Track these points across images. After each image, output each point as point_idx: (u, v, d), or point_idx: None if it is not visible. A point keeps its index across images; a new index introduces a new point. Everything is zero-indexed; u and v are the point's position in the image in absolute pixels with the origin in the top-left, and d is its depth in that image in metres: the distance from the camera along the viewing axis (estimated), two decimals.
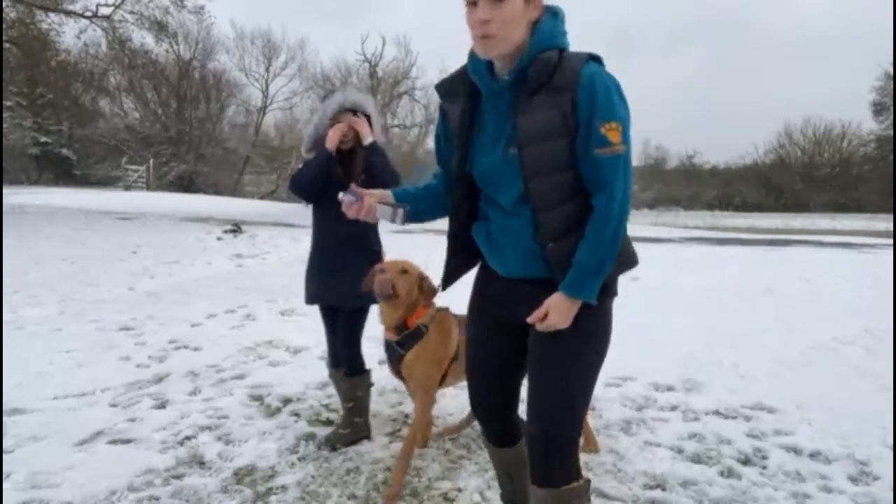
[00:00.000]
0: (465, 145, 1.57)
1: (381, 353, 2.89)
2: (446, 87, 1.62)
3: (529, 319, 1.49)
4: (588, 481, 1.57)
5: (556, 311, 1.45)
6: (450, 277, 1.72)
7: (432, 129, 1.82)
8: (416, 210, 1.70)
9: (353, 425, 2.78)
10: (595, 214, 1.43)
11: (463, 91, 1.56)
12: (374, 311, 2.64)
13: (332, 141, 2.61)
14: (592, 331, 1.53)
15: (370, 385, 2.88)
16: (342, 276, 2.67)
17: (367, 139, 2.64)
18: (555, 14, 1.50)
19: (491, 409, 1.77)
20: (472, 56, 1.51)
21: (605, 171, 1.40)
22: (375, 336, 2.94)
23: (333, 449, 2.68)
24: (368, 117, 2.71)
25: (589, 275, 1.44)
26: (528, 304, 1.50)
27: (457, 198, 1.64)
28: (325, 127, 2.63)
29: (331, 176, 2.65)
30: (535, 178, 1.44)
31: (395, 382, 3.05)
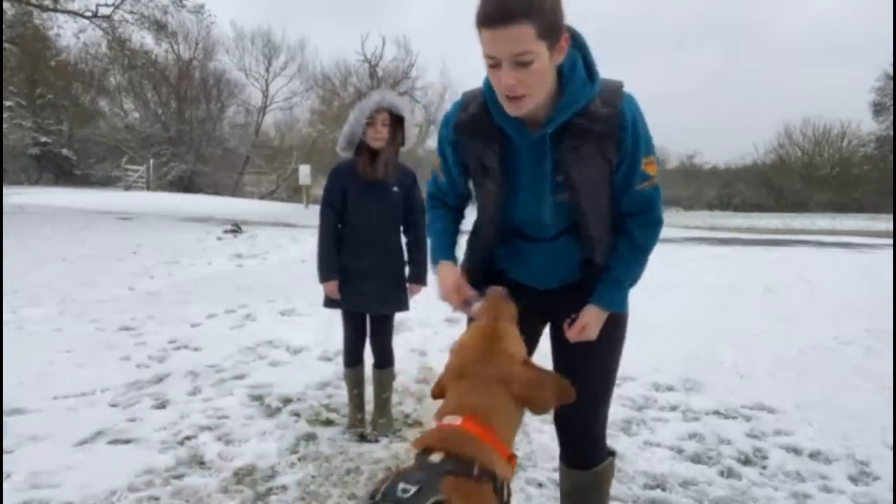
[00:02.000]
0: (503, 190, 1.49)
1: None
2: (471, 129, 1.48)
3: (569, 335, 1.55)
4: (615, 453, 1.74)
5: (594, 325, 1.53)
6: None
7: (433, 129, 1.71)
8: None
9: (390, 415, 2.93)
10: (635, 239, 1.52)
11: (494, 137, 1.44)
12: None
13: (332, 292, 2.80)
14: (621, 334, 1.64)
15: (394, 377, 3.00)
16: (371, 285, 2.74)
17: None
18: (575, 39, 1.37)
19: None
20: (498, 104, 1.38)
21: (647, 202, 1.48)
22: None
23: (375, 441, 2.79)
24: (402, 119, 2.76)
25: (625, 290, 1.55)
26: (564, 306, 1.57)
27: (492, 239, 1.60)
28: (361, 126, 2.67)
29: (360, 177, 2.71)
30: (591, 222, 1.48)
31: (396, 383, 3.06)
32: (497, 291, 1.45)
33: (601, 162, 1.40)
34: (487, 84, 1.40)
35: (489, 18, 1.22)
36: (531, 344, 1.70)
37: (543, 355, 1.65)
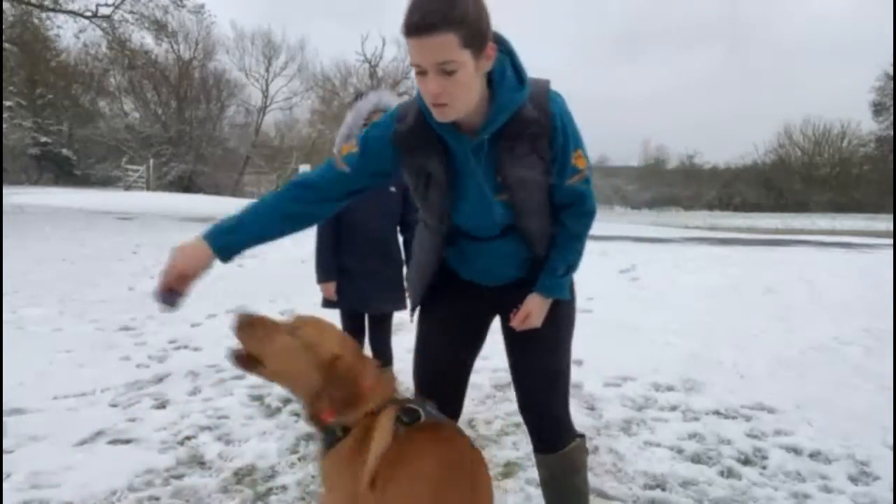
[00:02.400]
0: (448, 198, 1.50)
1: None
2: (410, 139, 1.46)
3: (514, 324, 1.61)
4: (583, 436, 1.78)
5: (536, 312, 1.60)
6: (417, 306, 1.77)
7: (383, 115, 1.59)
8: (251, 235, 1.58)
9: None
10: (569, 229, 1.57)
11: (434, 146, 1.45)
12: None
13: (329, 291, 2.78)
14: (565, 314, 1.70)
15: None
16: (370, 285, 2.74)
17: None
18: (502, 45, 1.40)
19: (444, 404, 1.71)
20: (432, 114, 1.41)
21: (578, 195, 1.53)
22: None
23: None
24: None
25: (564, 277, 1.61)
26: (514, 300, 1.62)
27: (440, 244, 1.61)
28: (358, 127, 2.68)
29: None
30: (528, 218, 1.52)
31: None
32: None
33: (535, 160, 1.44)
34: (421, 96, 1.42)
35: (413, 27, 1.24)
36: (480, 337, 1.77)
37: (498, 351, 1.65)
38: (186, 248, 1.52)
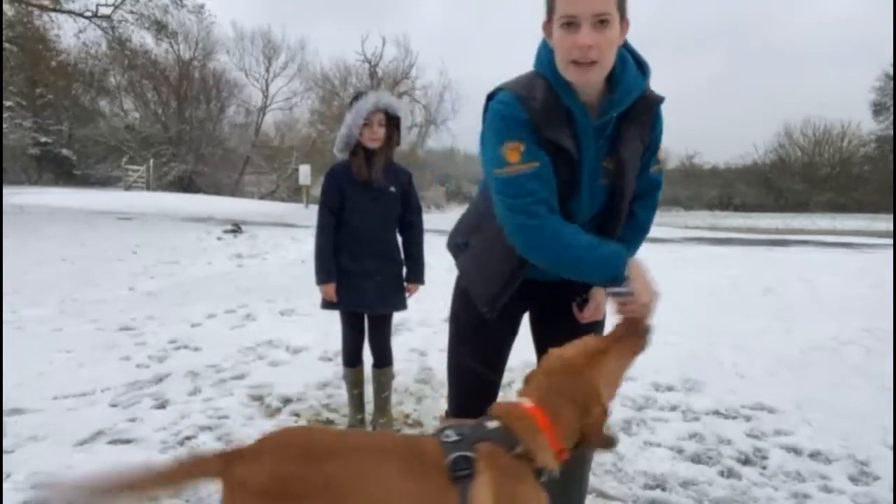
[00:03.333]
0: (576, 173, 1.45)
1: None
2: (547, 118, 1.39)
3: (584, 315, 1.63)
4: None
5: (604, 304, 1.63)
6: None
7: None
8: None
9: (390, 415, 2.92)
10: (640, 221, 1.61)
11: (562, 117, 1.40)
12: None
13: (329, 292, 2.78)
14: (605, 321, 1.72)
15: (393, 377, 2.99)
16: (369, 285, 2.73)
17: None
18: (624, 42, 1.44)
19: (482, 402, 1.76)
20: (563, 85, 1.38)
21: (656, 183, 1.60)
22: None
23: None
24: (397, 119, 2.78)
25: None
26: (552, 295, 1.64)
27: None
28: (357, 127, 2.68)
29: (356, 177, 2.72)
30: (622, 202, 1.53)
31: (396, 383, 3.06)
32: (640, 322, 1.44)
33: (639, 145, 1.50)
34: (547, 63, 1.39)
35: None
36: (512, 333, 1.76)
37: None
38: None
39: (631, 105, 1.43)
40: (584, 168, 1.47)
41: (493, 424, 1.23)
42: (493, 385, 1.75)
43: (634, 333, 1.40)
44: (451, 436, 1.19)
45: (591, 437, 1.26)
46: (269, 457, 1.16)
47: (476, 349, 1.72)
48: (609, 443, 1.32)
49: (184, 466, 1.17)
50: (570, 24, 1.29)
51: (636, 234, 1.62)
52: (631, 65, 1.43)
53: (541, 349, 1.73)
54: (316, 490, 1.13)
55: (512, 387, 3.12)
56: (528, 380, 1.36)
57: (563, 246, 1.37)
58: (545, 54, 1.41)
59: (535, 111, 1.39)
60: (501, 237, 1.48)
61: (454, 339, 1.78)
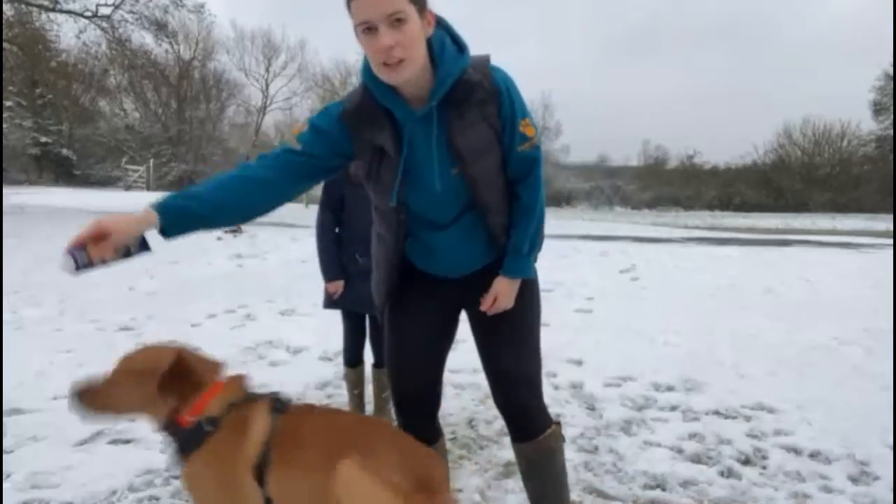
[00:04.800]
0: (399, 173, 1.47)
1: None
2: (361, 120, 1.47)
3: (483, 307, 1.61)
4: (559, 422, 1.78)
5: (505, 295, 1.60)
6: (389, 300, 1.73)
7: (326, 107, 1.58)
8: (203, 211, 1.46)
9: (389, 413, 2.90)
10: (525, 203, 1.57)
11: (382, 120, 1.45)
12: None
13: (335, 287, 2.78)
14: (536, 302, 1.71)
15: None
16: (367, 284, 2.72)
17: None
18: (438, 22, 1.45)
19: (424, 403, 1.76)
20: (379, 85, 1.42)
21: (528, 163, 1.54)
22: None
23: None
24: None
25: (527, 256, 1.60)
26: (479, 291, 1.62)
27: (397, 229, 1.57)
28: None
29: (355, 179, 2.72)
30: (484, 190, 1.52)
31: None
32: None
33: (486, 128, 1.47)
34: (365, 68, 1.44)
35: None
36: (449, 335, 1.76)
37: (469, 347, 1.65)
38: (132, 214, 1.40)
39: (455, 88, 1.41)
40: (417, 161, 1.48)
41: None
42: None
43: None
44: None
45: None
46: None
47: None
48: None
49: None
50: (369, 28, 1.31)
51: (524, 216, 1.57)
52: (449, 47, 1.43)
53: (477, 347, 1.74)
54: None
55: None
56: None
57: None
58: (365, 63, 1.43)
59: (350, 113, 1.47)
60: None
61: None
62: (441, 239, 1.59)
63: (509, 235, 1.59)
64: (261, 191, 1.47)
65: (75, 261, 1.33)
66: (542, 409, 1.73)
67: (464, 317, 1.77)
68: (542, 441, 1.71)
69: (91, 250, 1.33)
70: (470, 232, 1.58)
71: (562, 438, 1.79)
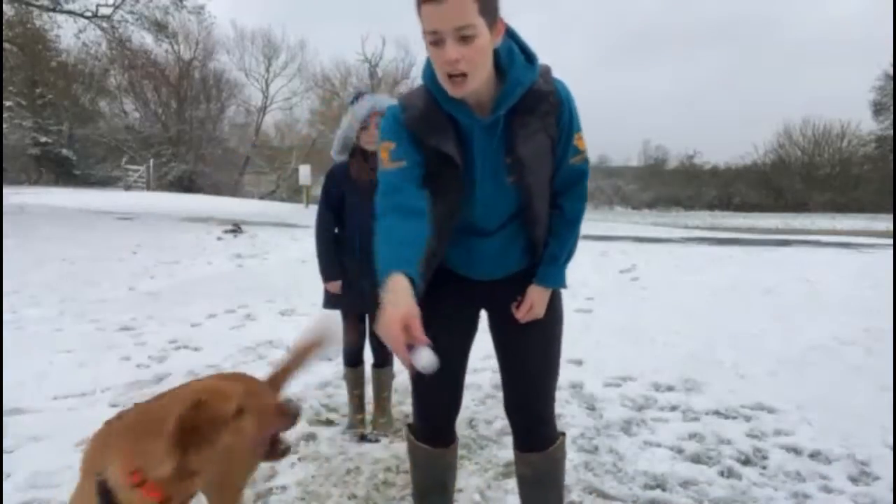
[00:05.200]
0: (463, 179, 1.47)
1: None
2: (427, 126, 1.44)
3: (518, 315, 1.60)
4: (564, 434, 1.76)
5: (539, 303, 1.59)
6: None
7: (387, 110, 1.57)
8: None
9: (390, 415, 2.93)
10: (566, 214, 1.58)
11: (447, 127, 1.44)
12: None
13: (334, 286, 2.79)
14: (560, 311, 1.70)
15: (393, 377, 2.99)
16: (368, 284, 2.73)
17: None
18: (508, 32, 1.43)
19: (449, 406, 1.73)
20: (442, 90, 1.40)
21: (579, 174, 1.56)
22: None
23: (376, 441, 2.80)
24: None
25: (563, 266, 1.61)
26: (505, 294, 1.62)
27: (445, 238, 1.53)
28: (354, 131, 2.70)
29: (357, 179, 2.73)
30: (536, 200, 1.52)
31: (396, 382, 3.06)
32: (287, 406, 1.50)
33: (545, 138, 1.47)
34: (429, 74, 1.43)
35: None
36: (468, 335, 1.72)
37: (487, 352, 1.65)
38: (391, 292, 1.21)
39: (524, 98, 1.42)
40: (476, 169, 1.48)
41: None
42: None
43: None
44: None
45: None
46: None
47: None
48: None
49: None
50: (437, 40, 1.29)
51: (566, 227, 1.59)
52: (518, 57, 1.42)
53: (496, 351, 1.72)
54: None
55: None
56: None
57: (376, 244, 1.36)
58: (427, 65, 1.43)
59: (414, 119, 1.45)
60: None
61: None
62: (483, 245, 1.58)
63: (547, 245, 1.59)
64: (425, 212, 1.41)
65: (426, 362, 1.16)
66: (554, 419, 1.73)
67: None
68: (551, 453, 1.70)
69: (418, 337, 1.17)
70: (512, 240, 1.58)
71: (565, 451, 1.78)
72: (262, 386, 1.55)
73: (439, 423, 1.74)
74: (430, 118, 1.44)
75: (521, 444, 1.73)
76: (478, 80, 1.36)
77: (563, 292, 1.70)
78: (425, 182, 1.46)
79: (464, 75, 1.32)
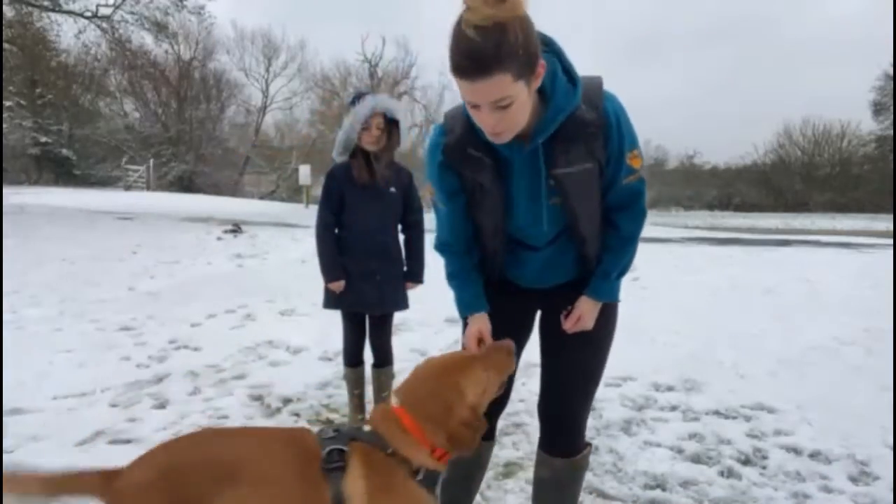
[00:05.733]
0: (503, 207, 1.51)
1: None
2: (462, 155, 1.46)
3: (566, 327, 1.60)
4: (591, 444, 1.77)
5: (588, 315, 1.59)
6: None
7: (432, 128, 1.62)
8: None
9: None
10: (622, 231, 1.55)
11: (485, 155, 1.45)
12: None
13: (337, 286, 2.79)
14: (613, 325, 1.70)
15: (393, 377, 2.98)
16: (369, 285, 2.73)
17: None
18: (547, 45, 1.36)
19: (497, 401, 1.76)
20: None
21: (633, 195, 1.51)
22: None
23: None
24: (398, 122, 2.77)
25: (613, 280, 1.59)
26: (558, 299, 1.64)
27: (498, 250, 1.61)
28: (356, 131, 2.70)
29: (357, 180, 2.72)
30: (582, 222, 1.51)
31: (396, 382, 3.06)
32: (506, 345, 1.54)
33: (589, 162, 1.43)
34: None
35: (464, 71, 1.20)
36: (524, 333, 1.76)
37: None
38: (471, 323, 1.64)
39: (564, 125, 1.37)
40: (516, 193, 1.49)
41: (367, 428, 1.36)
42: None
43: (499, 353, 1.52)
44: (328, 432, 1.31)
45: (457, 435, 1.34)
46: (145, 464, 1.23)
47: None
48: (471, 444, 1.36)
49: (65, 479, 1.22)
50: (473, 105, 1.28)
51: (622, 245, 1.56)
52: (560, 82, 1.36)
53: (542, 352, 1.74)
54: (202, 470, 1.21)
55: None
56: (402, 384, 1.45)
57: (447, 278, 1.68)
58: None
59: (451, 148, 1.47)
60: None
61: None
62: (532, 258, 1.61)
63: (600, 260, 1.58)
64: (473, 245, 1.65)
65: None
66: (584, 429, 1.72)
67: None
68: (576, 461, 1.70)
69: (490, 343, 1.60)
70: (561, 254, 1.59)
71: (588, 462, 1.78)
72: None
73: (492, 418, 1.77)
74: (467, 146, 1.44)
75: (548, 447, 1.73)
76: (516, 132, 1.34)
77: None
78: (471, 201, 1.55)
79: (502, 133, 1.32)
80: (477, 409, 1.41)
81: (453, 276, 1.66)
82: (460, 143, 1.45)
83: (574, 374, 1.67)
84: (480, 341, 1.58)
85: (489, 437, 1.81)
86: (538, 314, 1.76)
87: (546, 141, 1.39)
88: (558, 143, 1.39)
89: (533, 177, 1.45)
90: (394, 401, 1.39)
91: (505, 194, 1.49)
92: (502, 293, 1.68)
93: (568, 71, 1.38)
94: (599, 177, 1.47)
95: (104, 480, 1.21)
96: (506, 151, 1.43)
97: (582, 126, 1.38)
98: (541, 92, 1.36)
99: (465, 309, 1.64)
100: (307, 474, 1.24)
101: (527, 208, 1.50)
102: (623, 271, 1.59)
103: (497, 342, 1.56)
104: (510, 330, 1.67)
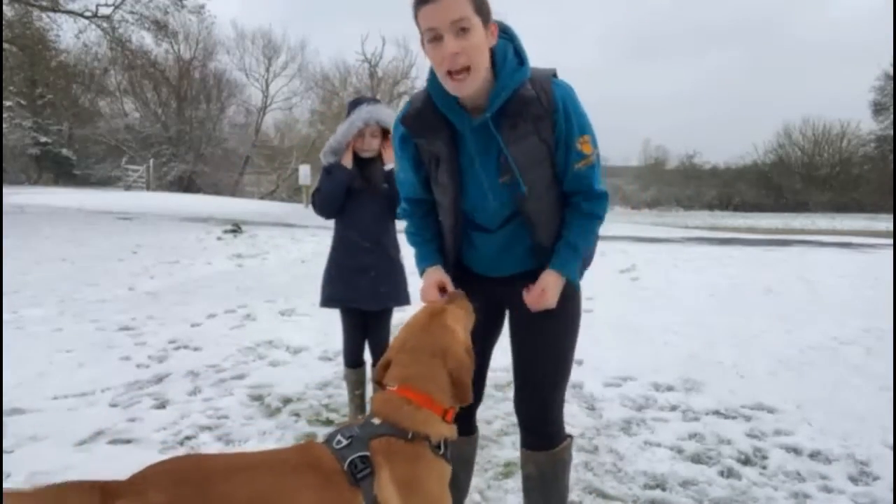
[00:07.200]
0: (456, 180, 1.57)
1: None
2: (419, 125, 1.56)
3: (528, 300, 1.60)
4: (572, 437, 1.79)
5: (552, 289, 1.58)
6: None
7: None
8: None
9: None
10: (582, 208, 1.58)
11: (440, 127, 1.53)
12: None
13: (347, 159, 2.74)
14: (576, 316, 1.71)
15: None
16: (364, 281, 2.74)
17: (389, 165, 2.77)
18: (505, 32, 1.50)
19: (477, 396, 1.77)
20: (441, 93, 1.49)
21: (585, 179, 1.55)
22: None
23: None
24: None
25: (579, 256, 1.60)
26: (519, 293, 1.63)
27: (454, 228, 1.65)
28: (348, 139, 2.72)
29: (352, 186, 2.74)
30: (529, 200, 1.54)
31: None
32: (459, 292, 1.60)
33: (537, 142, 1.50)
34: (431, 76, 1.51)
35: None
36: (493, 333, 1.79)
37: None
38: (427, 274, 1.71)
39: (510, 101, 1.45)
40: (468, 167, 1.55)
41: (377, 420, 1.30)
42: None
43: (459, 296, 1.57)
44: (342, 441, 1.23)
45: (459, 377, 1.34)
46: (155, 486, 1.07)
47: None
48: (470, 386, 1.38)
49: (59, 492, 1.08)
50: (435, 37, 1.37)
51: (582, 218, 1.58)
52: (510, 59, 1.47)
53: (512, 351, 1.75)
54: None
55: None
56: (386, 364, 1.45)
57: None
58: (432, 70, 1.49)
59: (411, 117, 1.57)
60: None
61: None
62: (485, 241, 1.64)
63: (562, 234, 1.59)
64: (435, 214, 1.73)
65: None
66: (562, 421, 1.74)
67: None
68: (557, 453, 1.72)
69: (451, 290, 1.67)
70: (513, 239, 1.62)
71: (571, 453, 1.80)
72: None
73: (461, 413, 1.75)
74: (424, 117, 1.54)
75: (528, 443, 1.75)
76: (479, 78, 1.42)
77: None
78: (431, 178, 1.62)
79: (466, 70, 1.39)
80: (468, 344, 1.45)
81: (412, 234, 1.75)
82: (419, 112, 1.55)
83: (542, 367, 1.68)
84: (442, 290, 1.64)
85: (469, 431, 1.81)
86: (506, 315, 1.77)
87: (494, 116, 1.47)
88: (506, 118, 1.47)
89: (484, 152, 1.52)
90: (390, 384, 1.39)
91: (458, 168, 1.55)
92: (461, 282, 1.69)
93: (519, 53, 1.49)
94: (550, 160, 1.52)
95: (102, 496, 1.06)
96: (458, 122, 1.51)
97: (527, 103, 1.46)
98: (493, 71, 1.46)
99: (423, 261, 1.72)
100: (332, 499, 1.16)
101: (478, 184, 1.56)
102: (585, 253, 1.61)
103: (452, 290, 1.62)
104: (477, 323, 1.66)
